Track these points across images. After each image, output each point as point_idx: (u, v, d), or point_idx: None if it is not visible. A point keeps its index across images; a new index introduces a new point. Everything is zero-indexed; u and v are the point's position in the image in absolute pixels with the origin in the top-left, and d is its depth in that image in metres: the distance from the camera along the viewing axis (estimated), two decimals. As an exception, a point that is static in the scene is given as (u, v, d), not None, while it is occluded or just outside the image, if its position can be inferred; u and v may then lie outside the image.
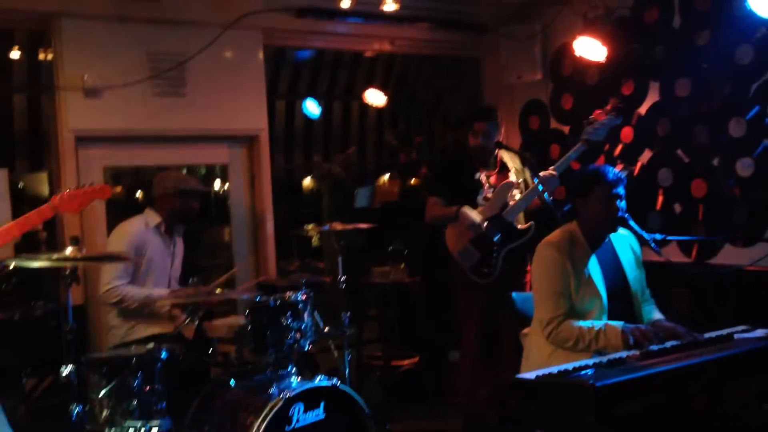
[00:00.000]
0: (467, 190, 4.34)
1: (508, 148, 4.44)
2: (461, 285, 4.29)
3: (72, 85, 4.36)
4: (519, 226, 4.27)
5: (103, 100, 4.42)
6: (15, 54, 5.59)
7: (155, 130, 4.65)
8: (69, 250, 3.04)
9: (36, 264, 2.97)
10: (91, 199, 3.07)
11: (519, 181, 4.37)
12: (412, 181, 6.85)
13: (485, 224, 4.19)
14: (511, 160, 4.47)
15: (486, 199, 4.31)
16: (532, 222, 4.30)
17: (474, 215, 4.22)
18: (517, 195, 4.29)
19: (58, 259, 2.97)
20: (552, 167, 4.20)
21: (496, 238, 4.19)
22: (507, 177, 4.36)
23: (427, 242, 4.79)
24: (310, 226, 4.37)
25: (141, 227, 4.02)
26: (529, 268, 4.51)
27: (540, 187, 4.07)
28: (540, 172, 4.16)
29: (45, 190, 5.71)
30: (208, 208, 5.86)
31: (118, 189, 5.61)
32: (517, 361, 3.46)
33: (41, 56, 5.20)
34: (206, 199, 4.29)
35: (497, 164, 4.44)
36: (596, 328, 3.08)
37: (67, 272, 3.05)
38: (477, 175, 4.36)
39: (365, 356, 5.25)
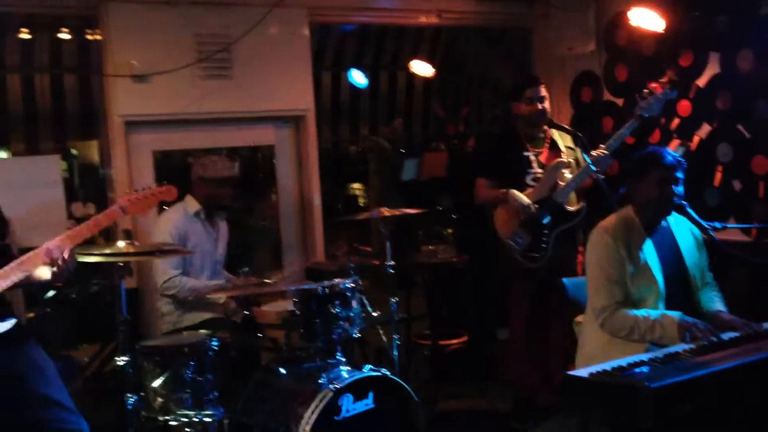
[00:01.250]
0: (515, 167, 4.24)
1: (558, 126, 4.32)
2: (511, 269, 4.21)
3: (120, 72, 4.38)
4: (570, 208, 4.17)
5: (151, 85, 4.43)
6: (64, 35, 5.63)
7: (203, 113, 4.66)
8: (122, 244, 3.09)
9: (90, 259, 3.02)
10: (159, 201, 3.06)
11: (570, 160, 4.25)
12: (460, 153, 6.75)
13: (535, 206, 4.10)
14: (561, 139, 4.35)
15: (536, 179, 4.22)
16: (583, 203, 4.19)
17: (523, 197, 4.13)
18: (567, 174, 4.18)
19: (111, 254, 3.02)
20: (603, 146, 4.07)
21: (546, 221, 4.10)
22: (558, 156, 4.25)
23: (475, 220, 4.72)
24: (356, 186, 4.31)
25: (182, 215, 4.01)
26: (581, 249, 4.44)
27: (592, 167, 3.95)
28: (592, 150, 4.03)
29: (95, 156, 5.69)
30: (255, 188, 5.87)
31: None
32: (568, 346, 3.41)
33: (89, 37, 5.23)
34: (246, 182, 4.24)
35: (547, 142, 4.32)
36: (652, 318, 3.00)
37: (120, 264, 3.10)
38: (524, 153, 4.26)
39: (413, 335, 5.25)
